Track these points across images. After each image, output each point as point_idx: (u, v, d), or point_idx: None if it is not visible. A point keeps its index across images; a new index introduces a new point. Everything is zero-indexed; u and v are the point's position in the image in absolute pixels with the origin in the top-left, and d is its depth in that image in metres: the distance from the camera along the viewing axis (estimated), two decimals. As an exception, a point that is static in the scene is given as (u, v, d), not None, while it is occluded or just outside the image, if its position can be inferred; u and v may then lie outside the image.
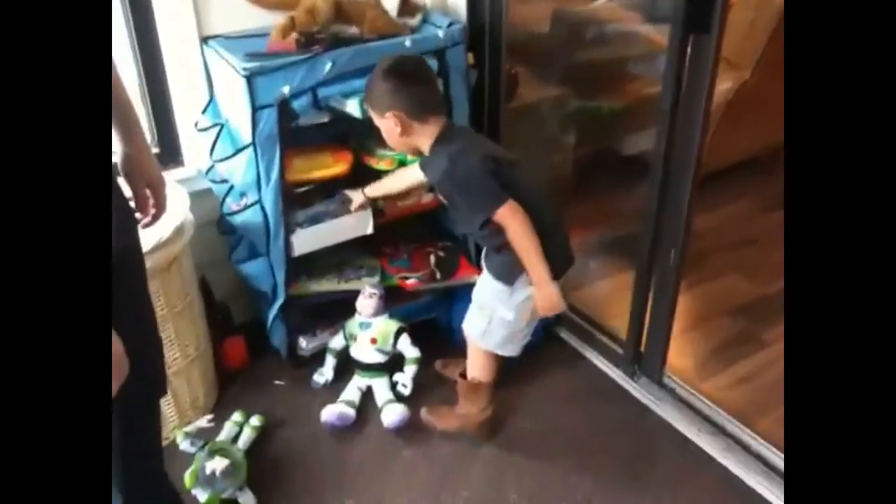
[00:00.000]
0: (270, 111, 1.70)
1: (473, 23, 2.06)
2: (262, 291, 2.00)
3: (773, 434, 1.78)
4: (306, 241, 1.89)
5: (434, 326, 2.17)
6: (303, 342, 2.08)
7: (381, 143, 1.95)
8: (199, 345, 1.89)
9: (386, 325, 1.98)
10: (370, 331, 1.97)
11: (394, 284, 2.09)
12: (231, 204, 1.91)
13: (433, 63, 1.82)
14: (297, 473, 1.79)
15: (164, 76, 1.89)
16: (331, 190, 1.95)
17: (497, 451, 1.87)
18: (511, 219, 1.57)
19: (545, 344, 2.17)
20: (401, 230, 2.17)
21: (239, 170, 1.81)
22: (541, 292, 1.62)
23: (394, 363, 2.00)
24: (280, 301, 1.95)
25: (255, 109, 1.70)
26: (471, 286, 1.85)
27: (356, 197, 1.90)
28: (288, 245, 1.86)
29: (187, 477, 1.68)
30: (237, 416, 1.88)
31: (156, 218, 1.29)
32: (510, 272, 1.67)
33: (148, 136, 1.96)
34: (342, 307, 2.03)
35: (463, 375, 1.88)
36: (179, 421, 1.87)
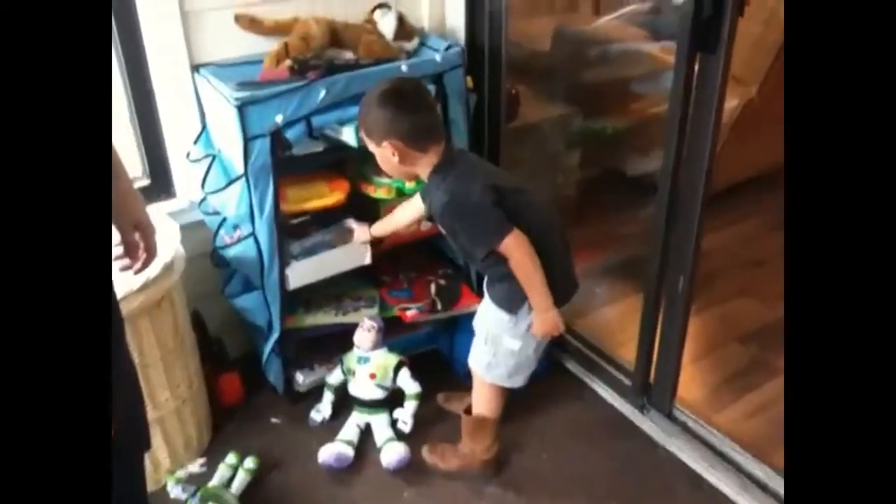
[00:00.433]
0: (263, 141, 1.64)
1: (472, 43, 2.01)
2: (256, 325, 1.93)
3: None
4: (302, 273, 1.83)
5: (435, 358, 2.11)
6: (299, 377, 2.01)
7: (379, 170, 1.89)
8: (191, 383, 1.82)
9: (385, 359, 1.91)
10: (369, 365, 1.90)
11: (393, 315, 2.02)
12: (224, 236, 1.85)
13: (431, 87, 1.77)
14: (293, 518, 1.73)
15: (154, 105, 1.83)
16: (327, 220, 1.89)
17: (501, 490, 1.79)
18: (514, 249, 1.51)
19: (551, 375, 2.11)
20: (400, 258, 2.11)
21: (231, 201, 1.74)
22: (540, 318, 1.58)
23: (394, 398, 1.93)
24: (275, 336, 1.88)
25: (248, 140, 1.64)
26: (473, 315, 1.79)
27: (361, 234, 1.85)
28: (283, 278, 1.80)
29: (179, 525, 1.61)
30: (231, 459, 1.81)
31: (146, 264, 1.22)
32: (513, 301, 1.60)
33: (139, 168, 1.92)
34: (340, 339, 1.97)
35: (468, 411, 1.81)
36: (171, 463, 1.80)
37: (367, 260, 1.91)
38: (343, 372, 1.95)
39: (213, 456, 1.85)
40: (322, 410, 1.97)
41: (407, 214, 1.79)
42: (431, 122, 1.55)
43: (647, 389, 1.96)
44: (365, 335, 1.90)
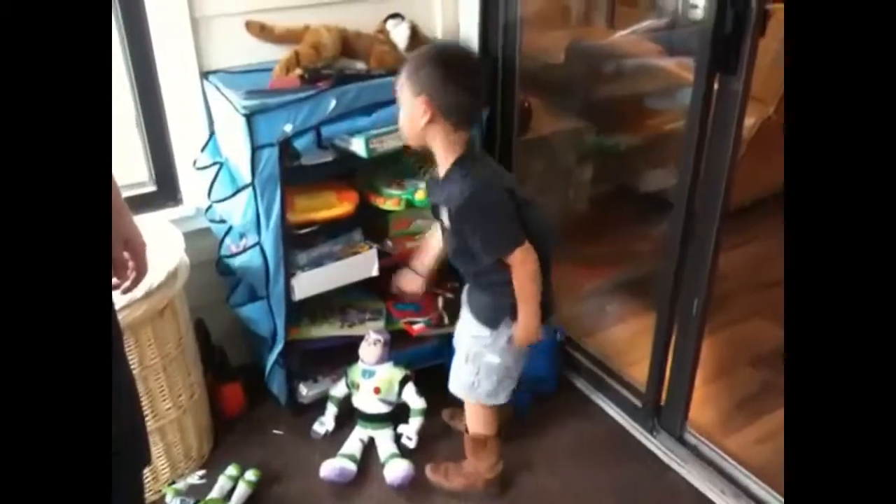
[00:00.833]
0: (271, 150, 1.62)
1: (485, 55, 1.99)
2: (261, 335, 1.90)
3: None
4: (308, 284, 1.80)
5: (441, 373, 2.05)
6: (303, 389, 1.98)
7: (389, 182, 1.89)
8: (192, 392, 1.79)
9: (390, 374, 1.88)
10: (373, 379, 1.87)
11: (400, 329, 1.99)
12: (230, 245, 1.83)
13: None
14: (293, 534, 1.69)
15: (162, 112, 1.82)
16: (334, 230, 1.86)
17: (506, 511, 1.76)
18: (522, 262, 1.48)
19: (559, 393, 2.07)
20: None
21: (238, 210, 1.72)
22: (525, 330, 1.55)
23: (398, 413, 1.90)
24: (279, 347, 1.85)
25: (255, 149, 1.61)
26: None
27: (413, 283, 1.79)
28: (288, 289, 1.77)
29: (176, 538, 1.58)
30: (231, 470, 1.78)
31: (135, 282, 1.19)
32: (495, 316, 1.57)
33: (145, 174, 1.90)
34: (345, 351, 1.94)
35: (468, 430, 1.77)
36: (171, 474, 1.77)
37: (374, 272, 1.88)
38: (347, 385, 1.92)
39: (213, 467, 1.82)
40: (325, 423, 1.94)
41: (440, 238, 1.74)
42: (475, 106, 1.50)
43: (657, 411, 1.92)
44: (370, 349, 1.87)
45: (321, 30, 1.75)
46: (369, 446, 1.89)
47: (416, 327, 1.98)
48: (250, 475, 1.77)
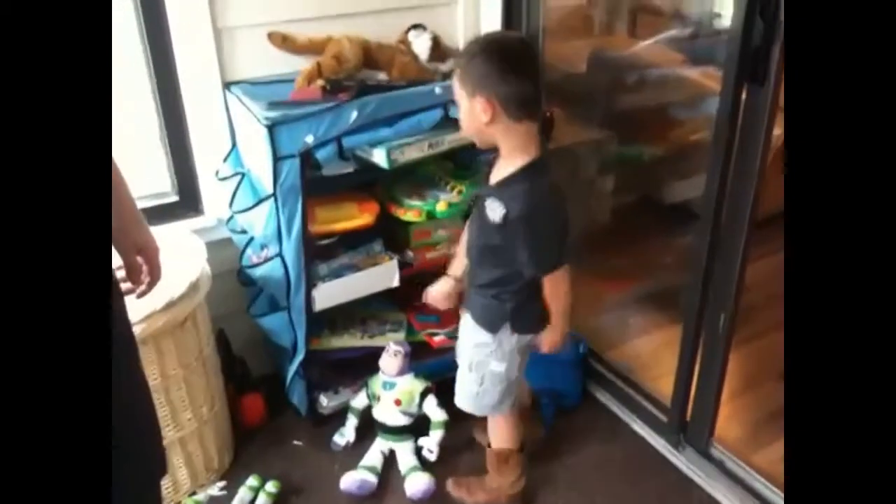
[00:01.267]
0: (293, 162, 1.62)
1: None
2: (281, 346, 1.90)
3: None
4: (328, 295, 1.80)
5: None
6: (323, 400, 1.97)
7: (409, 193, 1.88)
8: (213, 404, 1.79)
9: (411, 386, 1.86)
10: (394, 391, 1.86)
11: (420, 340, 1.98)
12: (251, 256, 1.83)
13: (465, 110, 1.73)
14: (312, 547, 1.68)
15: (184, 122, 1.83)
16: (355, 241, 1.86)
17: (528, 528, 1.73)
18: (561, 282, 1.49)
19: (582, 407, 2.04)
20: (428, 282, 2.06)
21: (259, 221, 1.72)
22: (553, 337, 1.58)
23: (419, 426, 1.88)
24: (300, 357, 1.85)
25: (277, 160, 1.61)
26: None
27: (444, 285, 1.70)
28: (309, 300, 1.77)
29: (196, 550, 1.57)
30: (252, 481, 1.77)
31: (150, 287, 1.19)
32: (495, 320, 1.55)
33: (167, 184, 1.91)
34: (366, 363, 1.93)
35: (491, 445, 1.75)
36: (192, 484, 1.77)
37: (395, 282, 1.87)
38: (368, 396, 1.91)
39: (233, 478, 1.82)
40: (345, 435, 1.93)
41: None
42: (535, 93, 1.38)
43: (683, 426, 1.88)
44: (391, 360, 1.86)
45: (343, 41, 1.75)
46: (390, 458, 1.88)
47: (436, 339, 1.97)
48: (270, 487, 1.76)
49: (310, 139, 1.61)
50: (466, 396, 1.67)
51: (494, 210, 1.41)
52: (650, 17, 2.71)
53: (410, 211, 1.84)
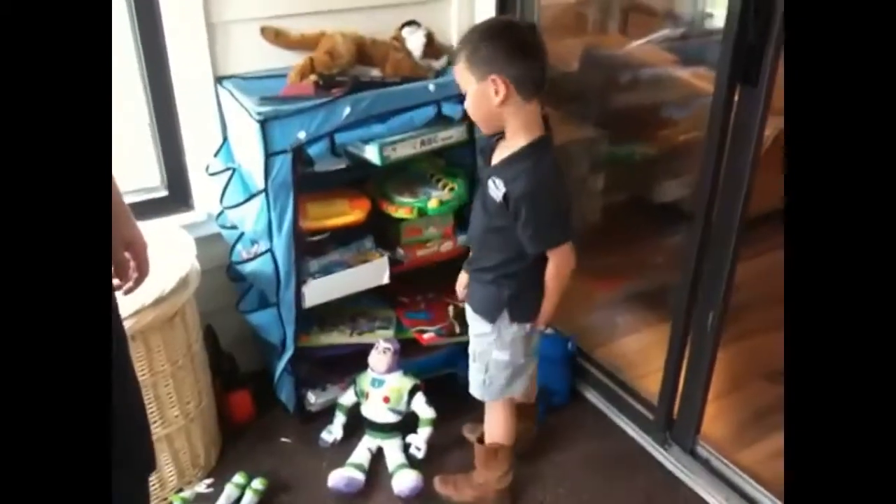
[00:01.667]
0: (284, 157, 1.61)
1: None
2: (270, 342, 1.89)
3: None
4: (318, 291, 1.79)
5: (451, 383, 2.05)
6: (311, 397, 1.96)
7: (401, 189, 1.88)
8: (200, 400, 1.78)
9: (400, 383, 1.86)
10: (383, 388, 1.85)
11: (410, 337, 1.98)
12: (241, 251, 1.82)
13: (458, 108, 1.73)
14: (300, 544, 1.68)
15: (175, 116, 1.81)
16: (346, 238, 1.85)
17: (516, 524, 1.74)
18: (566, 258, 1.49)
19: (570, 405, 2.05)
20: (418, 279, 2.06)
21: (250, 216, 1.71)
22: (546, 316, 1.58)
23: (407, 423, 1.88)
24: (289, 354, 1.84)
25: (269, 155, 1.60)
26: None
27: (462, 275, 1.71)
28: (299, 296, 1.76)
29: (182, 547, 1.57)
30: (239, 479, 1.76)
31: (138, 282, 1.18)
32: (492, 308, 1.55)
33: (157, 178, 1.89)
34: (355, 360, 1.93)
35: (480, 440, 1.75)
36: (179, 481, 1.76)
37: (385, 279, 1.87)
38: (356, 393, 1.90)
39: (220, 475, 1.81)
40: (333, 432, 1.93)
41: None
42: (542, 74, 1.39)
43: (670, 424, 1.89)
44: (380, 357, 1.86)
45: (336, 36, 1.75)
46: (378, 456, 1.87)
47: (426, 336, 1.97)
48: (257, 484, 1.76)
49: (302, 135, 1.60)
50: (476, 385, 1.67)
51: (497, 187, 1.42)
52: (642, 16, 2.71)
53: (402, 208, 1.83)
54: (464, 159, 1.92)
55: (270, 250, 1.71)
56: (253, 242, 1.79)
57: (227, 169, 1.81)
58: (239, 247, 1.83)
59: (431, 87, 1.72)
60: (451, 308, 2.02)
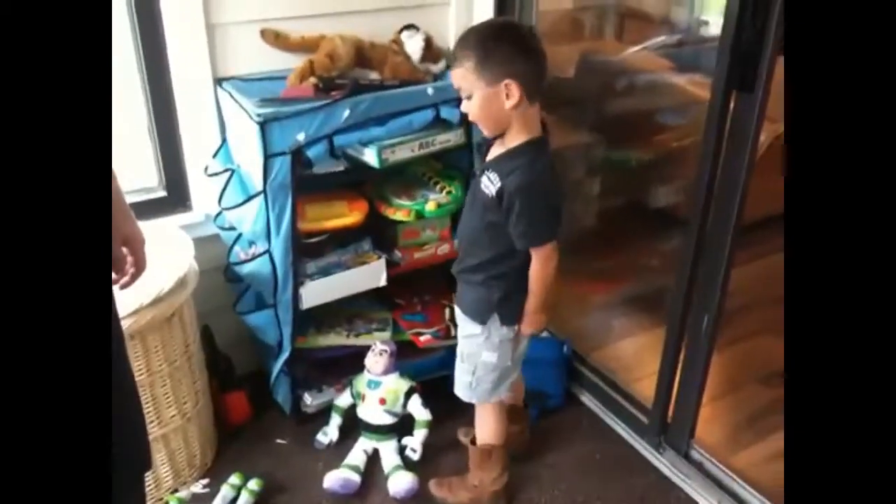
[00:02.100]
0: (283, 159, 1.62)
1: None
2: (267, 343, 1.90)
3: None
4: (316, 293, 1.80)
5: (448, 385, 2.05)
6: (307, 398, 1.97)
7: (398, 192, 1.89)
8: (197, 400, 1.78)
9: (396, 385, 1.87)
10: (379, 390, 1.86)
11: (406, 339, 1.98)
12: (239, 252, 1.83)
13: (456, 111, 1.74)
14: (295, 545, 1.68)
15: (174, 117, 1.82)
16: (344, 239, 1.86)
17: (511, 526, 1.74)
18: (550, 257, 1.48)
19: (565, 408, 2.06)
20: (415, 281, 2.07)
21: (248, 218, 1.72)
22: (532, 319, 1.57)
23: (403, 425, 1.88)
24: (285, 355, 1.84)
25: (268, 157, 1.61)
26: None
27: None
28: (296, 297, 1.77)
29: (178, 547, 1.57)
30: (235, 479, 1.77)
31: (134, 277, 1.19)
32: (483, 310, 1.56)
33: (155, 179, 1.89)
34: (351, 360, 1.93)
35: (474, 442, 1.76)
36: (175, 481, 1.76)
37: (383, 281, 1.88)
38: (352, 395, 1.91)
39: (216, 475, 1.81)
40: (329, 433, 1.93)
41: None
42: (545, 72, 1.39)
43: (664, 427, 1.90)
44: (376, 359, 1.86)
45: (336, 39, 1.75)
46: (373, 457, 1.88)
47: (422, 338, 1.97)
48: (253, 485, 1.76)
49: (301, 137, 1.61)
50: (462, 386, 1.68)
51: (491, 182, 1.43)
52: (639, 23, 2.73)
53: (400, 210, 1.84)
54: (461, 162, 1.93)
55: (268, 251, 1.72)
56: (251, 243, 1.80)
57: (226, 170, 1.81)
58: (237, 248, 1.84)
59: (430, 90, 1.73)
60: (447, 311, 2.03)
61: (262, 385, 1.99)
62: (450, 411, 1.95)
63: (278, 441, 1.96)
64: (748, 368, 2.22)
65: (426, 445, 1.86)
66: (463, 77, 1.39)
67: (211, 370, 1.93)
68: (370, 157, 1.69)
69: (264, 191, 1.64)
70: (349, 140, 1.67)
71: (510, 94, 1.35)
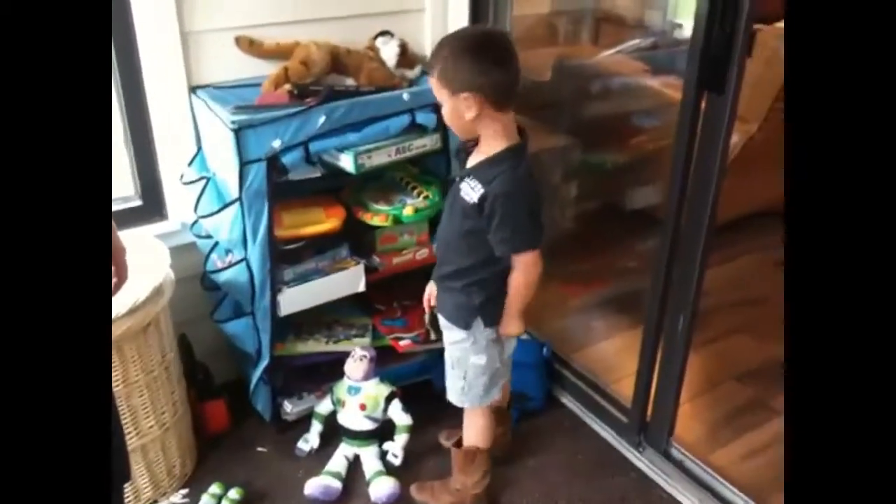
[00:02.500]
0: (259, 166, 1.61)
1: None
2: (245, 352, 1.89)
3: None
4: (294, 300, 1.79)
5: (428, 389, 2.06)
6: (287, 406, 1.96)
7: (376, 198, 1.89)
8: (175, 410, 1.77)
9: (376, 390, 1.87)
10: (359, 396, 1.86)
11: (386, 345, 1.98)
12: (216, 261, 1.82)
13: (432, 116, 1.75)
14: (277, 553, 1.67)
15: (149, 126, 1.80)
16: (322, 246, 1.86)
17: (493, 529, 1.75)
18: (534, 264, 1.48)
19: (546, 410, 2.07)
20: (394, 286, 2.07)
21: (224, 226, 1.71)
22: (511, 322, 1.58)
23: (384, 430, 1.88)
24: (264, 363, 1.84)
25: (243, 164, 1.61)
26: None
27: (430, 285, 1.72)
28: (274, 305, 1.76)
29: (158, 559, 1.55)
30: (215, 489, 1.75)
31: (117, 287, 1.19)
32: (466, 315, 1.56)
33: (131, 188, 1.88)
34: (331, 367, 1.93)
35: (458, 444, 1.76)
36: (153, 492, 1.74)
37: (361, 287, 1.88)
38: (332, 402, 1.90)
39: (196, 485, 1.80)
40: (310, 440, 1.92)
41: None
42: (515, 81, 1.40)
43: (643, 427, 1.92)
44: (356, 365, 1.86)
45: (311, 46, 1.76)
46: (354, 464, 1.87)
47: (402, 343, 1.97)
48: (234, 494, 1.75)
49: (277, 144, 1.61)
50: (455, 392, 1.68)
51: (472, 189, 1.44)
52: (614, 27, 2.76)
53: (377, 216, 1.84)
54: (438, 167, 1.94)
55: (245, 259, 1.71)
56: (227, 251, 1.79)
57: (202, 178, 1.80)
58: (213, 256, 1.83)
59: (406, 96, 1.74)
60: (427, 315, 2.03)
61: (241, 393, 1.98)
62: (430, 416, 1.95)
63: (259, 449, 1.95)
64: (724, 367, 2.25)
65: (407, 450, 1.86)
66: (434, 86, 1.42)
67: (189, 379, 1.91)
68: (346, 162, 1.69)
69: (240, 198, 1.64)
70: (325, 146, 1.67)
71: (468, 106, 1.37)
